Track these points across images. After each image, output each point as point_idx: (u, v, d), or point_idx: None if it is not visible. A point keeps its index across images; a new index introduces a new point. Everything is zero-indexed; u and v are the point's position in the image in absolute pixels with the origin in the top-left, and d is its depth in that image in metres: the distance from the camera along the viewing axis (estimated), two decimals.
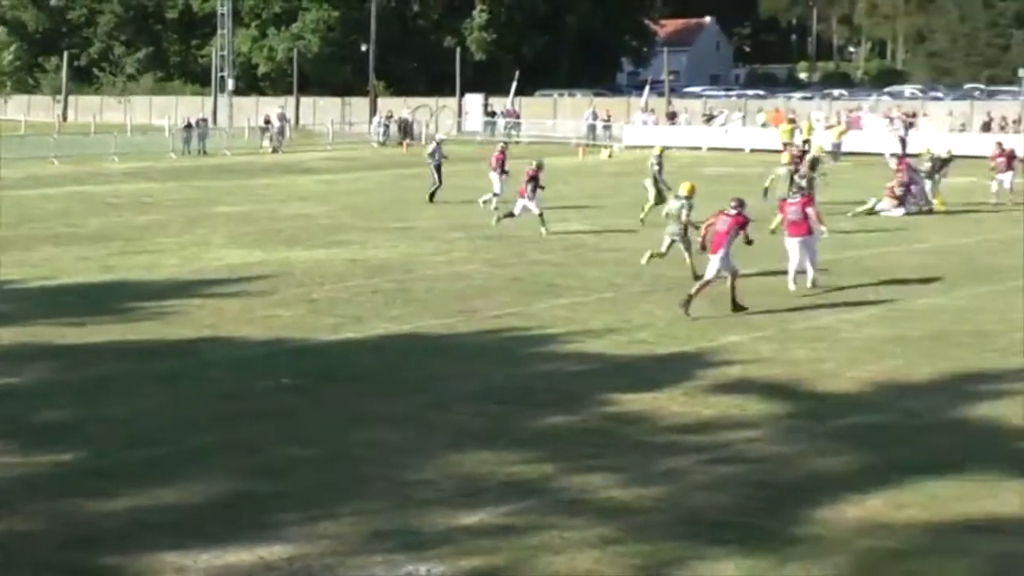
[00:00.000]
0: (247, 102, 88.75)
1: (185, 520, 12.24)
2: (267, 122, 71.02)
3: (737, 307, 21.97)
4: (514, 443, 14.63)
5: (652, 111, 72.46)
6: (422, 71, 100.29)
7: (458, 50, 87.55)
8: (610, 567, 11.10)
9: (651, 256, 25.55)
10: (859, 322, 21.18)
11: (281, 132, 69.85)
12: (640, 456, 14.07)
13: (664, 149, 37.20)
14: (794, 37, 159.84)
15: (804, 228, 23.89)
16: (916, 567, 11.01)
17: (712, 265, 22.08)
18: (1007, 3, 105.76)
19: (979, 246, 29.46)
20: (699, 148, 62.90)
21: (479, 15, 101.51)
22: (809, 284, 23.98)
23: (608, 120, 71.98)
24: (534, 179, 32.36)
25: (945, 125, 59.29)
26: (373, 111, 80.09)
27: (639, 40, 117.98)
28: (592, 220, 35.12)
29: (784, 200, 26.65)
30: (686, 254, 24.97)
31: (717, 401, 16.31)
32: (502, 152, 38.98)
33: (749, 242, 22.53)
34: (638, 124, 70.15)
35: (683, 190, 25.58)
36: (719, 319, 21.47)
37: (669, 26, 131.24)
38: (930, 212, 36.11)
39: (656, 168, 35.30)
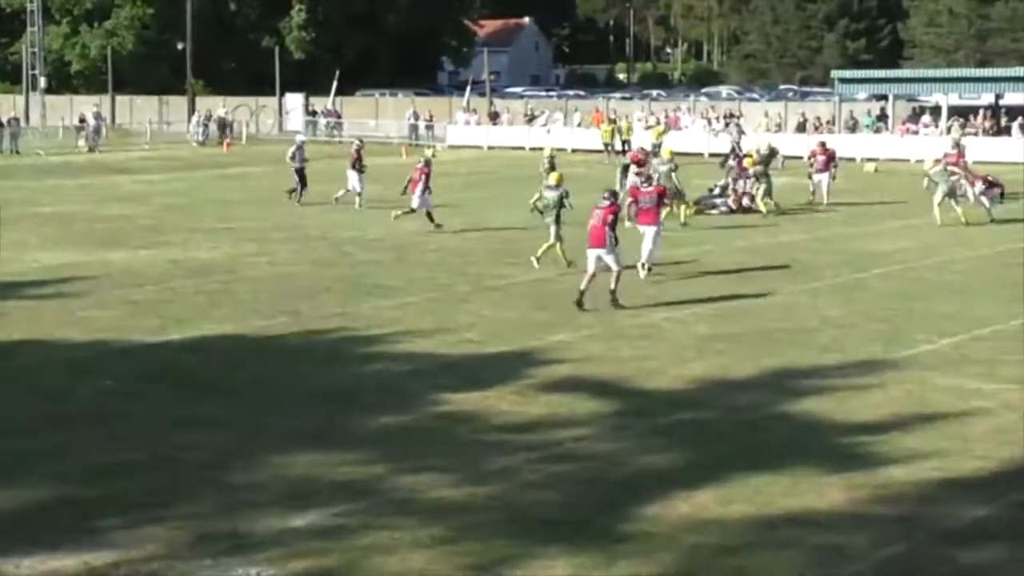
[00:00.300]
0: (61, 101, 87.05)
1: (6, 526, 11.96)
2: (82, 121, 69.72)
3: (616, 303, 22.18)
4: (343, 444, 14.55)
5: (474, 111, 72.67)
6: (242, 70, 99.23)
7: (277, 49, 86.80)
8: (442, 566, 11.09)
9: (545, 255, 26.53)
10: (683, 320, 21.46)
11: (97, 131, 68.61)
12: (471, 455, 14.09)
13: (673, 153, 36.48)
14: (612, 38, 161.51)
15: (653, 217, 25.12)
16: (743, 562, 11.17)
17: (592, 259, 22.35)
18: (818, 5, 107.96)
19: (797, 245, 30.03)
20: (522, 148, 63.22)
21: (297, 14, 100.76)
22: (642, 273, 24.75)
23: (431, 120, 72.00)
24: (427, 176, 33.29)
25: (761, 126, 60.31)
26: (192, 110, 79.05)
27: (459, 40, 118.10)
28: (417, 220, 35.02)
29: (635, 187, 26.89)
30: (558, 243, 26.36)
31: (546, 400, 16.40)
32: (358, 151, 39.12)
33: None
34: (461, 124, 70.31)
35: (552, 180, 27.74)
36: (546, 318, 21.59)
37: (488, 26, 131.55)
38: (747, 211, 36.57)
39: (672, 168, 34.74)
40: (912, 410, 15.89)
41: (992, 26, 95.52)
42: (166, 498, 12.70)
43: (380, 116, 76.99)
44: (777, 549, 11.45)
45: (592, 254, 22.45)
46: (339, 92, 79.31)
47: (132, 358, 18.96)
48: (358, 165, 38.57)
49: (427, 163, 33.72)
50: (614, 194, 23.28)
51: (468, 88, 79.04)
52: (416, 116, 72.66)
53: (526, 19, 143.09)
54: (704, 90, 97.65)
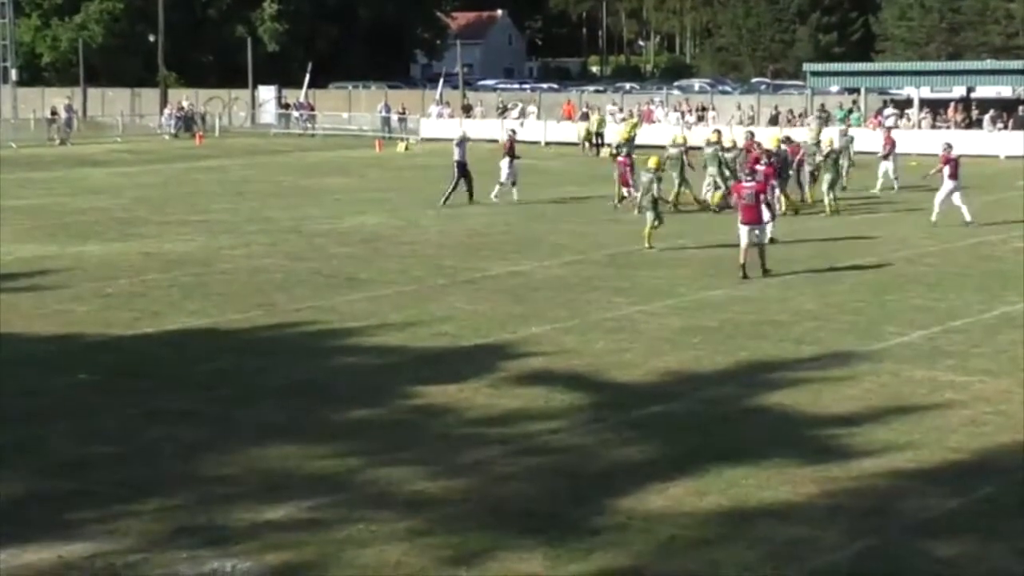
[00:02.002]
0: (32, 93, 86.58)
1: None
2: (54, 114, 69.37)
3: (766, 271, 24.68)
4: (319, 437, 14.55)
5: (447, 104, 72.60)
6: (214, 62, 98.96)
7: (249, 41, 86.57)
8: (418, 559, 11.11)
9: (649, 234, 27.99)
10: (656, 313, 21.50)
11: (69, 124, 68.31)
12: (446, 448, 14.11)
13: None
14: (585, 31, 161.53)
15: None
16: (718, 555, 11.21)
17: (744, 233, 24.55)
18: None
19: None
20: (495, 141, 63.08)
21: (269, 5, 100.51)
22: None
23: (404, 113, 71.89)
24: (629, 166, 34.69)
25: (735, 119, 60.38)
26: (164, 103, 78.76)
27: (432, 32, 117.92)
28: (390, 213, 35.07)
29: (739, 182, 27.09)
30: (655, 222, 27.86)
31: (521, 393, 16.42)
32: (511, 141, 38.93)
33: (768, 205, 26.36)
34: (434, 117, 70.23)
35: (651, 164, 28.81)
36: (521, 311, 21.62)
37: (461, 19, 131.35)
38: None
39: (719, 151, 34.95)
40: (886, 403, 15.96)
41: (963, 19, 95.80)
42: (141, 491, 12.70)
43: (353, 109, 76.81)
44: (752, 541, 11.50)
45: (744, 229, 24.57)
46: (312, 85, 79.11)
47: (106, 351, 18.92)
48: (511, 154, 37.95)
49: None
50: (753, 171, 26.98)
51: (441, 81, 78.96)
52: (389, 109, 72.55)
53: (499, 12, 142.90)
54: (677, 83, 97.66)
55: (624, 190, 34.87)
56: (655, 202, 28.22)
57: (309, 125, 73.42)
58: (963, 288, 23.65)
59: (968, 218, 31.71)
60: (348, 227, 32.12)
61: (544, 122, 65.48)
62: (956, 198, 32.29)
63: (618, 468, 13.44)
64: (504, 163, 37.66)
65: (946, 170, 32.38)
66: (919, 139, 51.11)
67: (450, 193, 36.32)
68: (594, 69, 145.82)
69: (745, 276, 24.31)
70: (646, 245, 27.90)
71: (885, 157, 41.08)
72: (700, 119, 62.32)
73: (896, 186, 39.81)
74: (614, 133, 51.27)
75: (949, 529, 11.87)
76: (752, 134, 37.07)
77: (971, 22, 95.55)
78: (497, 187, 37.41)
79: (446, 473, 13.23)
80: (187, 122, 72.54)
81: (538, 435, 14.69)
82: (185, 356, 18.59)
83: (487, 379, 17.00)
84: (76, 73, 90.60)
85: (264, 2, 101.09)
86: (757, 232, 24.93)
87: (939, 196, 32.46)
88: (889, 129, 47.53)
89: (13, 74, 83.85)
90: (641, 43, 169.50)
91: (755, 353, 18.60)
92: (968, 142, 54.03)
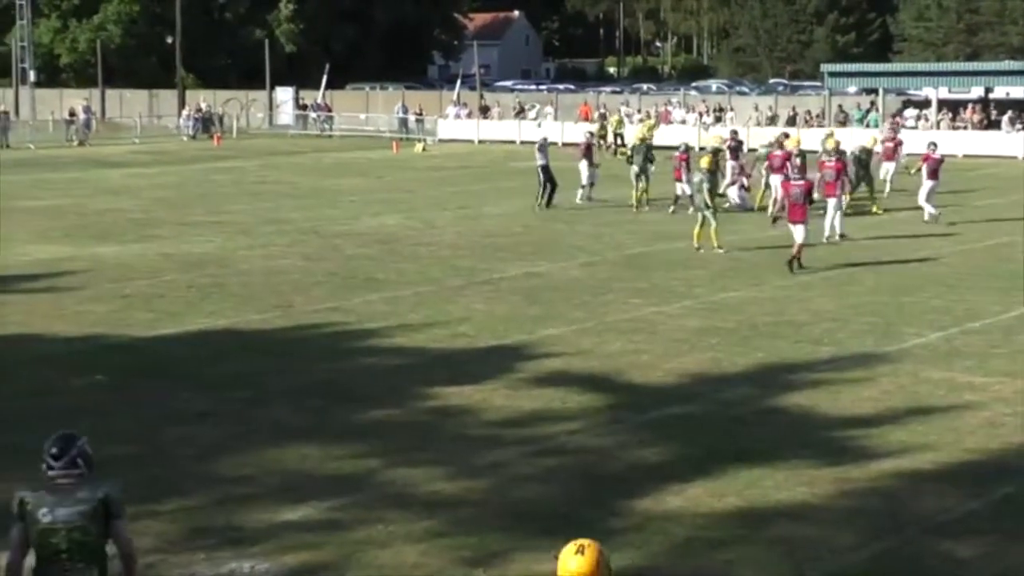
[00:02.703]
0: (50, 94, 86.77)
1: None
2: (72, 115, 69.52)
3: (800, 266, 25.26)
4: (336, 438, 14.57)
5: (464, 105, 72.61)
6: (232, 64, 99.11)
7: (267, 42, 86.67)
8: (436, 560, 11.12)
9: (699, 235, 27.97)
10: (674, 314, 21.49)
11: (87, 125, 68.45)
12: (463, 449, 14.11)
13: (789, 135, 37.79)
14: (602, 32, 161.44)
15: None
16: (735, 556, 11.20)
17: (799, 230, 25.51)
18: None
19: (785, 240, 29.95)
20: (512, 142, 63.23)
21: (285, 7, 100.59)
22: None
23: (421, 114, 71.92)
24: (686, 162, 34.92)
25: (752, 120, 60.30)
26: (182, 104, 78.88)
27: (449, 33, 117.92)
28: (407, 214, 35.09)
29: (788, 181, 27.83)
30: (712, 223, 27.73)
31: (539, 394, 16.42)
32: (588, 143, 38.79)
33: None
34: (451, 118, 70.25)
35: (704, 164, 28.74)
36: (538, 312, 21.62)
37: (478, 20, 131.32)
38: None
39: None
40: (904, 403, 15.94)
41: (981, 20, 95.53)
42: (159, 492, 12.71)
43: (370, 110, 76.82)
44: (769, 542, 11.49)
45: (795, 226, 25.57)
46: (329, 86, 79.14)
47: (124, 352, 18.96)
48: (589, 156, 37.76)
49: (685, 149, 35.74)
50: (804, 170, 27.46)
51: (458, 82, 78.98)
52: (406, 110, 72.57)
53: (516, 13, 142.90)
54: (694, 84, 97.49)
55: (679, 187, 35.34)
56: (708, 202, 27.90)
57: (326, 126, 73.49)
58: (981, 289, 23.60)
59: (930, 214, 32.42)
60: (365, 228, 32.15)
61: (561, 123, 65.44)
62: (922, 195, 32.83)
63: (635, 469, 13.43)
64: (583, 165, 37.50)
65: (925, 169, 32.70)
66: (937, 140, 50.85)
67: (542, 195, 36.09)
68: (611, 70, 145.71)
69: (802, 266, 25.33)
70: (694, 245, 27.85)
71: (889, 158, 40.20)
72: (717, 120, 62.24)
73: (888, 189, 38.57)
74: (632, 134, 51.26)
75: (968, 530, 11.85)
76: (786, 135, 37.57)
77: (989, 23, 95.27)
78: (580, 190, 37.21)
79: (464, 474, 13.24)
80: (205, 123, 72.64)
81: (555, 436, 14.69)
82: (203, 357, 18.61)
83: (504, 380, 17.01)
84: (94, 74, 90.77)
85: (280, 3, 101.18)
86: (803, 228, 25.72)
87: (921, 195, 32.70)
88: (895, 131, 46.28)
89: (32, 75, 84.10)
90: (658, 44, 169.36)
91: (773, 354, 18.58)
92: (986, 143, 54.01)
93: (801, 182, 26.13)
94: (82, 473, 7.92)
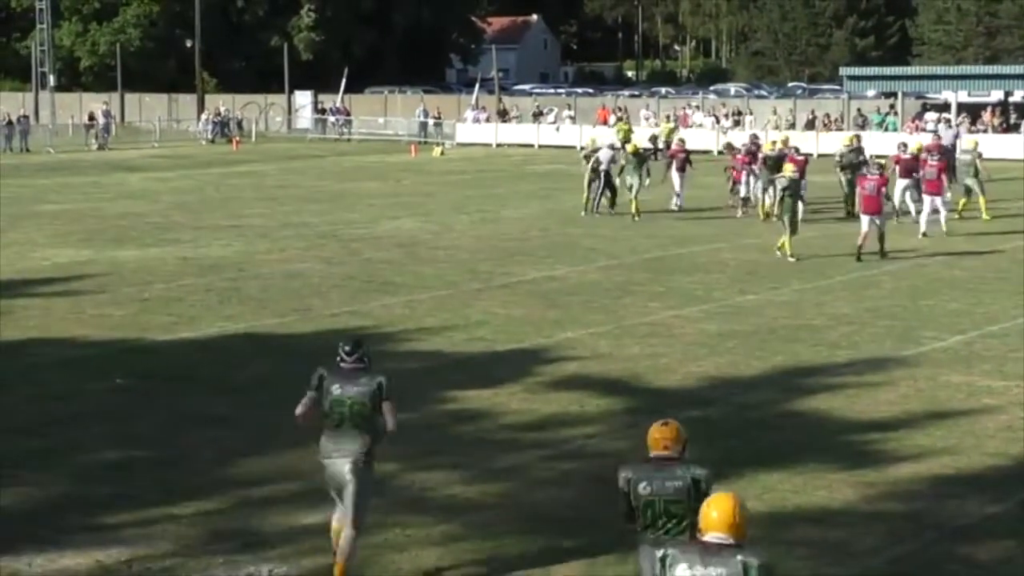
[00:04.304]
0: (70, 98, 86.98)
1: (18, 524, 11.99)
2: (91, 119, 69.66)
3: (885, 255, 26.99)
4: None
5: (483, 109, 72.61)
6: (251, 68, 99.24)
7: (285, 47, 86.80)
8: (454, 563, 11.13)
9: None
10: (692, 317, 21.46)
11: (106, 129, 68.56)
12: (482, 453, 14.12)
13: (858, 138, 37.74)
14: (620, 35, 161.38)
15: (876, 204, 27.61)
16: None
17: (866, 222, 27.05)
18: (827, 3, 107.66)
19: (804, 242, 29.92)
20: (531, 145, 63.26)
21: (306, 14, 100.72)
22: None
23: (439, 117, 71.96)
24: (747, 164, 35.22)
25: (771, 124, 60.22)
26: (201, 108, 79.02)
27: (467, 37, 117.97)
28: (426, 217, 35.10)
29: (864, 176, 28.86)
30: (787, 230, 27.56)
31: (556, 397, 16.42)
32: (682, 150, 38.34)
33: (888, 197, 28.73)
34: (469, 122, 70.27)
35: (787, 171, 28.91)
36: (556, 315, 21.62)
37: (496, 24, 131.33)
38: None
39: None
40: (922, 407, 15.91)
41: (1000, 23, 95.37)
42: (178, 496, 12.74)
43: (389, 113, 76.89)
44: (788, 546, 11.47)
45: (866, 219, 27.11)
46: (348, 89, 79.19)
47: (143, 356, 19.00)
48: (680, 165, 37.36)
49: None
50: (882, 166, 28.75)
51: (476, 86, 78.99)
52: (425, 113, 72.63)
53: (534, 16, 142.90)
54: (712, 87, 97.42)
55: (739, 187, 35.51)
56: (792, 209, 27.41)
57: (345, 130, 73.53)
58: (1001, 292, 23.54)
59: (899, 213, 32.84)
60: (384, 232, 32.17)
61: (580, 127, 65.39)
62: (897, 193, 32.93)
63: None
64: (674, 173, 37.34)
65: (898, 169, 33.02)
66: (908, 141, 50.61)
67: (607, 200, 35.72)
68: (629, 74, 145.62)
69: (859, 259, 26.65)
70: (776, 250, 27.53)
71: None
72: (736, 123, 62.17)
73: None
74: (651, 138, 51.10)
75: (987, 534, 11.82)
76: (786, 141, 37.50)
77: (1008, 26, 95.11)
78: (675, 198, 36.97)
79: (481, 478, 13.25)
80: (223, 127, 72.74)
81: (573, 440, 14.69)
82: (221, 361, 18.65)
83: (522, 383, 17.01)
84: (114, 78, 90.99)
85: (301, 10, 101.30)
86: (878, 221, 27.20)
87: (896, 195, 32.83)
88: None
89: (51, 79, 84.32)
90: (677, 48, 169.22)
91: (791, 358, 18.56)
92: (1005, 146, 53.81)
93: (876, 176, 27.69)
94: (365, 367, 10.98)
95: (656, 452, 9.05)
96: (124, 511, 12.34)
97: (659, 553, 7.60)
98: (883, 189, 27.75)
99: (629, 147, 35.41)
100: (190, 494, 12.82)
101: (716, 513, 7.47)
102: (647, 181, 35.54)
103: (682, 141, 40.98)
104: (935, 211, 31.13)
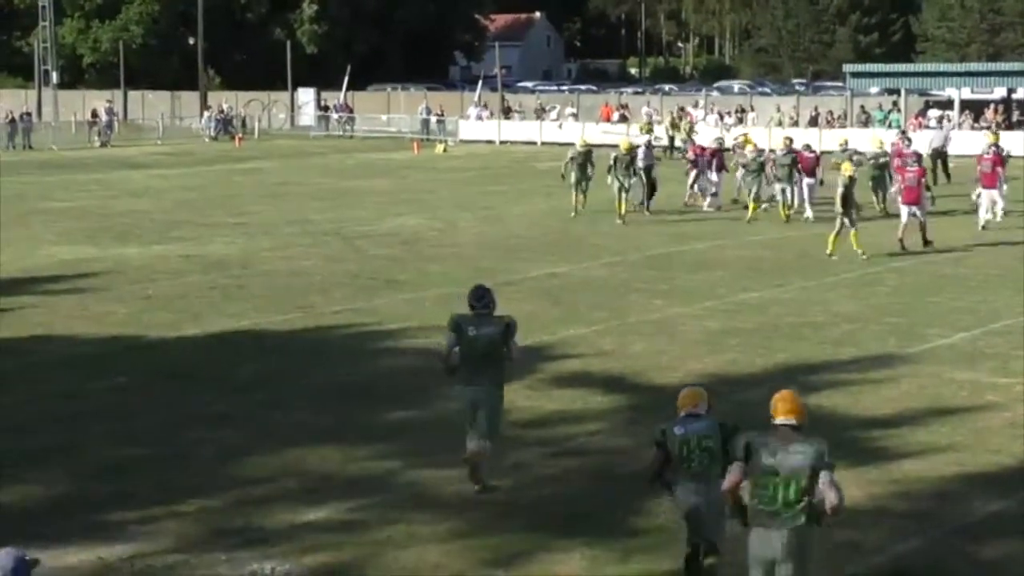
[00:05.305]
0: (73, 96, 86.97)
1: (21, 522, 11.99)
2: (94, 116, 69.68)
3: (928, 243, 27.81)
4: (358, 439, 14.58)
5: (486, 106, 72.59)
6: (253, 65, 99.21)
7: (288, 43, 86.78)
8: (457, 561, 11.12)
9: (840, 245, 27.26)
10: (695, 315, 21.44)
11: (109, 126, 68.61)
12: None
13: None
14: (623, 32, 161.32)
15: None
16: None
17: (906, 213, 27.95)
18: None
19: (808, 241, 29.92)
20: (534, 143, 63.23)
21: (308, 7, 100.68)
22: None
23: (442, 115, 71.93)
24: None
25: (774, 121, 60.18)
26: (204, 105, 79.00)
27: (470, 34, 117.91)
28: (429, 214, 35.08)
29: (903, 167, 30.20)
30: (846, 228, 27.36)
31: (560, 395, 16.42)
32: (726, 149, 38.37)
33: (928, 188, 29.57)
34: (472, 119, 70.24)
35: (845, 171, 27.87)
36: (559, 313, 21.61)
37: (499, 21, 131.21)
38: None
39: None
40: (926, 405, 15.90)
41: (1004, 20, 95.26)
42: (180, 493, 12.75)
43: (392, 111, 76.86)
44: None
45: (906, 209, 27.97)
46: (351, 87, 79.18)
47: (146, 353, 19.00)
48: (718, 164, 37.12)
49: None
50: (919, 158, 30.25)
51: (480, 83, 78.97)
52: (428, 111, 72.60)
53: (537, 14, 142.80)
54: (716, 84, 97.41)
55: (699, 180, 35.67)
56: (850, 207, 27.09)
57: (348, 127, 73.50)
58: (1004, 290, 23.50)
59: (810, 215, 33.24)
60: (387, 229, 32.15)
61: (583, 124, 65.38)
62: (805, 190, 33.69)
63: None
64: (712, 172, 37.28)
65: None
66: (960, 140, 50.70)
67: (645, 198, 35.50)
68: (632, 71, 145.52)
69: (904, 249, 27.41)
70: (860, 254, 26.82)
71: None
72: (739, 120, 62.12)
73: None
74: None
75: (992, 531, 11.81)
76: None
77: (1012, 23, 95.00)
78: (709, 198, 36.78)
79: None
80: (226, 124, 72.72)
81: (576, 437, 14.69)
82: (225, 358, 18.64)
83: (525, 380, 16.95)
84: (116, 75, 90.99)
85: (303, 4, 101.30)
86: (916, 211, 28.02)
87: (805, 194, 33.80)
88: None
89: (54, 77, 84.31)
90: (680, 45, 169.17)
91: (794, 355, 18.54)
92: (1008, 144, 53.70)
93: (915, 168, 28.92)
94: (492, 311, 12.92)
95: (686, 410, 10.76)
96: (126, 509, 12.34)
97: (743, 440, 9.34)
98: (923, 180, 28.79)
99: (622, 145, 35.01)
100: (192, 491, 12.82)
101: (783, 403, 9.49)
102: (634, 179, 35.15)
103: (720, 140, 40.81)
104: (993, 203, 31.97)
